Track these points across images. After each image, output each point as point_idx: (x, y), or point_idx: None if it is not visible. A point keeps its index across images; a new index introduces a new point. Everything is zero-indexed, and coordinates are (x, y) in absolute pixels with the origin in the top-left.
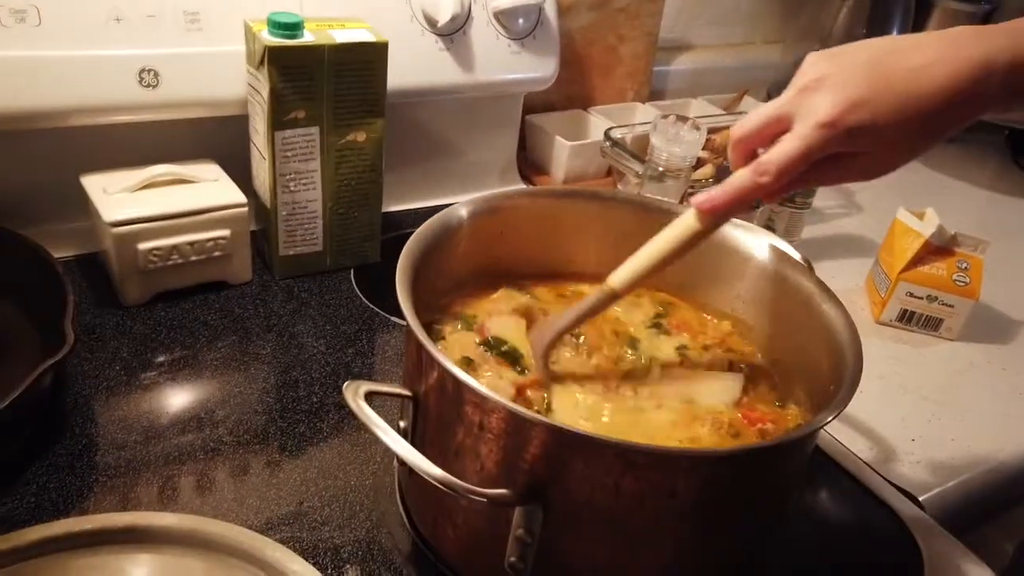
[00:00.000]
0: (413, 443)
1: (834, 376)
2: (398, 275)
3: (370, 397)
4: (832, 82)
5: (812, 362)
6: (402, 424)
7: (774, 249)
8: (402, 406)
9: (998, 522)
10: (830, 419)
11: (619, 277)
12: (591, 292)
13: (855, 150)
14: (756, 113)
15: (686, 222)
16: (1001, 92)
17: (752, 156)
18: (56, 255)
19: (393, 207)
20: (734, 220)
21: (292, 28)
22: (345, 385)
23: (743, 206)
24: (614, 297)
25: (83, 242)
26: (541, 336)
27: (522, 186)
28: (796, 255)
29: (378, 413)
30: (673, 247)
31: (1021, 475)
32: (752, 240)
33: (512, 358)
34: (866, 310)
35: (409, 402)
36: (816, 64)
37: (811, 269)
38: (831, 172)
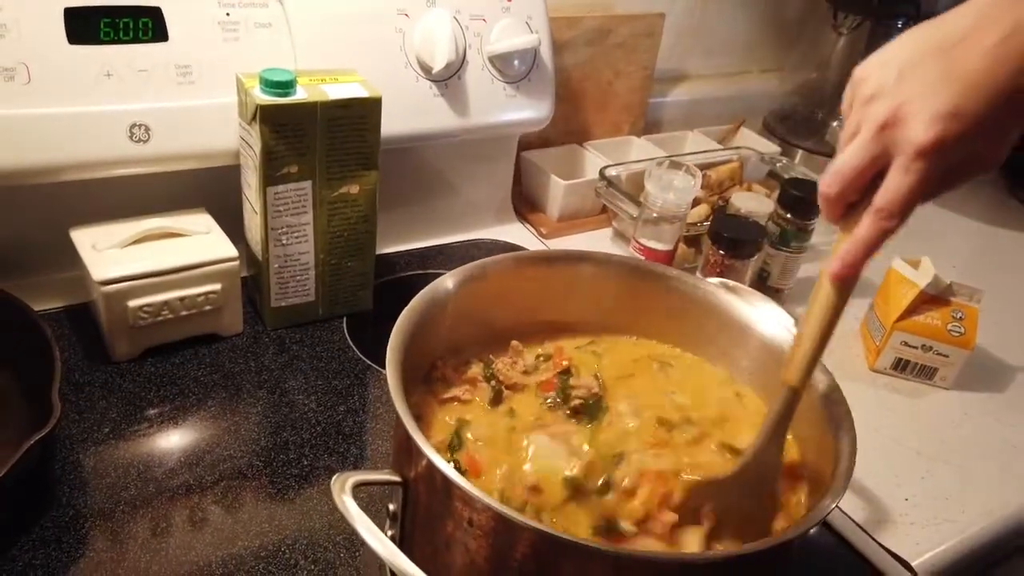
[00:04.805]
0: (403, 526)
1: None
2: (388, 356)
3: (359, 487)
4: (911, 106)
5: (814, 441)
6: (392, 507)
7: (773, 319)
8: (392, 489)
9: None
10: (823, 515)
11: (793, 373)
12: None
13: (965, 155)
14: (845, 164)
15: (825, 296)
16: None
17: (849, 207)
18: (46, 307)
19: (388, 248)
20: (730, 284)
21: (284, 86)
22: (333, 479)
23: (872, 255)
24: (796, 393)
25: (73, 293)
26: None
27: (516, 224)
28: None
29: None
30: (825, 324)
31: (1014, 533)
32: (749, 310)
33: None
34: (860, 356)
35: (399, 487)
36: (873, 79)
37: None
38: (945, 185)
